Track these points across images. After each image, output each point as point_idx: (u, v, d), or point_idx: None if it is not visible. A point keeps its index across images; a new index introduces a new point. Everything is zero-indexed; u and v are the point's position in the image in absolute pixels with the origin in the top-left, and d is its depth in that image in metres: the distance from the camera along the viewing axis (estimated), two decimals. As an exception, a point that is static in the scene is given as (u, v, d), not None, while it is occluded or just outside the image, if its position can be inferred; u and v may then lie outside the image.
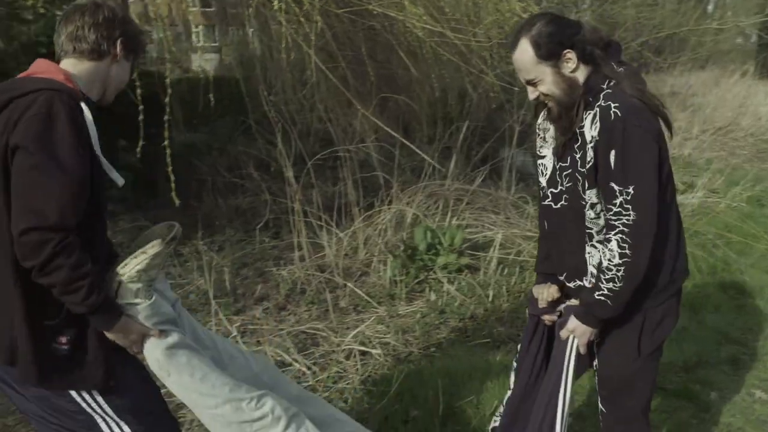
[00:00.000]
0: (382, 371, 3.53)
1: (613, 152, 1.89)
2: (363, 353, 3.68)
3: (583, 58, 1.97)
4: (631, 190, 1.89)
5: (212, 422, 1.99)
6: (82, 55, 1.94)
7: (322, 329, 3.97)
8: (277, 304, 4.45)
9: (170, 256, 2.24)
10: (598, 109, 1.92)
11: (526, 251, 4.96)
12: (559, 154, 2.07)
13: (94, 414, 1.88)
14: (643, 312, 2.06)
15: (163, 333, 1.91)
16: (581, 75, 1.98)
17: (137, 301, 1.86)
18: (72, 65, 1.93)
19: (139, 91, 4.62)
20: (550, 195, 2.13)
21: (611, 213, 1.93)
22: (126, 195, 8.32)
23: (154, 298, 1.90)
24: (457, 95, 8.67)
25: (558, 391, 2.11)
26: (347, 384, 3.44)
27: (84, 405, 1.87)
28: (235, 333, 3.92)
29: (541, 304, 2.23)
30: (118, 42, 1.96)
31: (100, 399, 1.88)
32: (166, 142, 4.73)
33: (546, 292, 2.21)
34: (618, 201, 1.91)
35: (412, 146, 6.02)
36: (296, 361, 3.64)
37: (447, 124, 8.00)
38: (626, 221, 1.91)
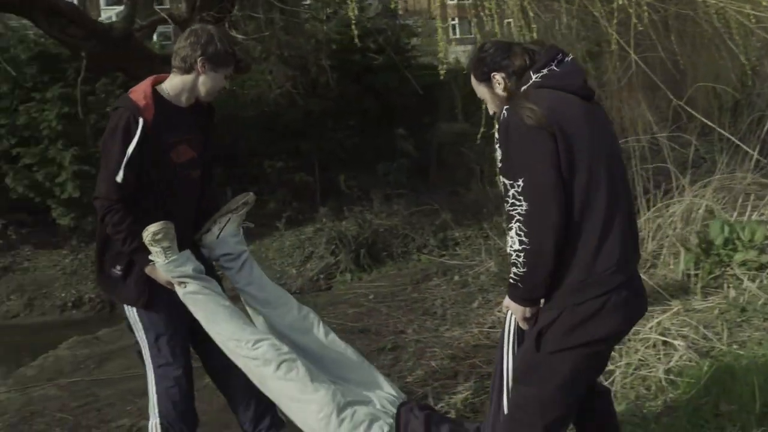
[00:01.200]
0: (684, 363, 3.51)
1: (498, 150, 2.05)
2: (664, 343, 3.68)
3: (513, 79, 2.17)
4: (520, 182, 1.97)
5: (224, 351, 2.60)
6: (176, 70, 2.66)
7: (616, 317, 4.01)
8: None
9: (243, 219, 2.83)
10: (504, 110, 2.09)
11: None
12: None
13: (134, 325, 2.68)
14: (558, 309, 2.03)
15: (181, 283, 2.58)
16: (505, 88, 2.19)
17: (156, 259, 2.55)
18: (171, 78, 2.68)
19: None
20: None
21: (508, 205, 2.01)
22: (401, 180, 8.94)
23: (170, 258, 2.54)
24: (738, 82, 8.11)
25: (501, 368, 2.21)
26: (649, 372, 3.47)
27: (129, 316, 2.69)
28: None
29: None
30: (199, 60, 2.60)
31: (136, 314, 2.67)
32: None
33: None
34: (511, 193, 2.00)
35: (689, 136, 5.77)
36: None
37: (731, 112, 7.53)
38: (520, 211, 1.97)
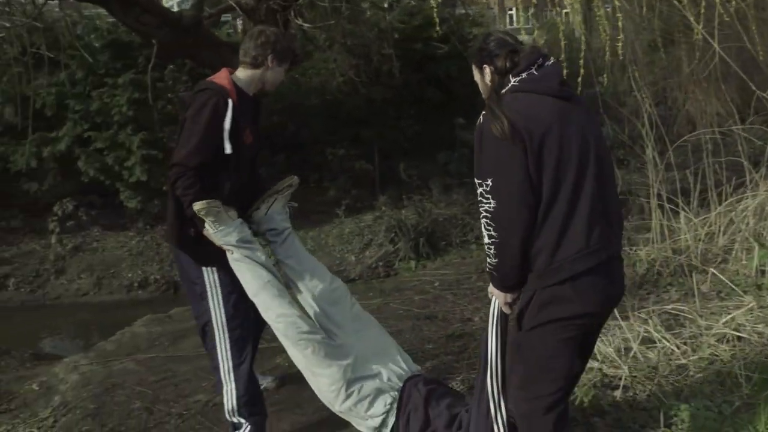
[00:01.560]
0: (761, 359, 3.47)
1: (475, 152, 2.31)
2: (738, 339, 3.64)
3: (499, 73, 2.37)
4: (489, 182, 2.20)
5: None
6: (246, 65, 3.13)
7: (688, 311, 3.98)
8: (634, 282, 4.54)
9: (288, 200, 3.35)
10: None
11: None
12: None
13: (209, 288, 3.05)
14: (532, 291, 2.28)
15: (228, 250, 2.97)
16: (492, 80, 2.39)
17: (208, 228, 2.93)
18: (241, 71, 3.14)
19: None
20: None
21: (480, 202, 2.25)
22: (461, 170, 8.92)
23: (218, 229, 2.92)
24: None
25: (486, 348, 2.46)
26: (722, 367, 3.44)
27: (204, 275, 3.06)
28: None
29: None
30: (269, 57, 3.10)
31: (209, 272, 3.05)
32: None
33: None
34: (479, 191, 2.25)
35: None
36: (665, 339, 3.71)
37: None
38: (488, 208, 2.22)
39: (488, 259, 2.34)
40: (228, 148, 2.97)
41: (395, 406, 2.90)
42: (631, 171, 8.53)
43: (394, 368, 3.02)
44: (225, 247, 2.98)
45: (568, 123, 2.28)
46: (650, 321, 3.87)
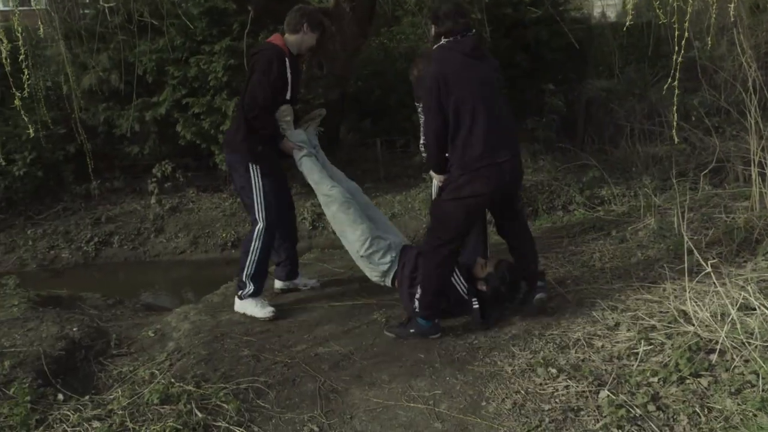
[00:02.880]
0: None
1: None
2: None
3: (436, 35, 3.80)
4: (420, 103, 3.99)
5: (315, 191, 4.56)
6: (289, 32, 4.29)
7: (787, 279, 3.92)
8: (731, 250, 4.48)
9: (318, 125, 4.72)
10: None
11: None
12: None
13: (254, 180, 4.31)
14: (450, 177, 3.79)
15: (298, 149, 4.47)
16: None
17: (284, 130, 4.44)
18: (287, 36, 4.28)
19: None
20: None
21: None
22: (550, 136, 8.85)
23: (290, 131, 4.46)
24: None
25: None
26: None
27: (252, 174, 4.33)
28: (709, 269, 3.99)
29: None
30: (304, 25, 4.25)
31: (259, 171, 4.33)
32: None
33: None
34: (419, 109, 4.12)
35: None
36: (763, 306, 3.67)
37: None
38: (421, 121, 4.03)
39: (424, 155, 4.13)
40: (289, 93, 4.28)
41: (397, 259, 4.25)
42: (727, 139, 8.27)
43: (396, 238, 4.47)
44: (298, 146, 4.47)
45: (473, 70, 3.64)
46: (749, 288, 3.84)
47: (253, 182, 4.30)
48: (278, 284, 4.89)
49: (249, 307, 4.43)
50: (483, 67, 3.70)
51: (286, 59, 4.19)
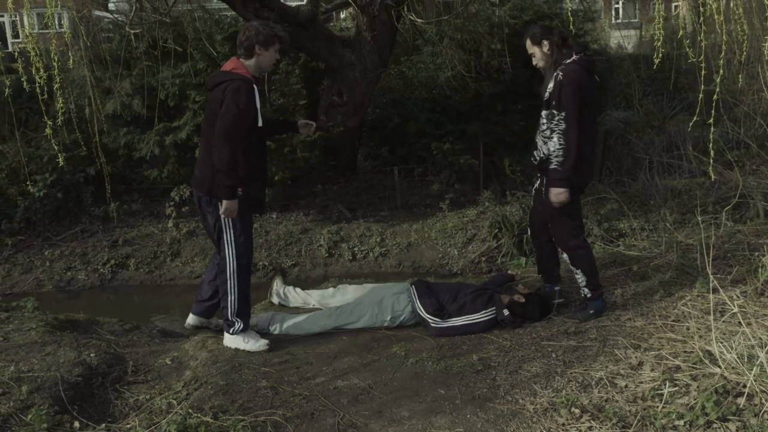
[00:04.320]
0: None
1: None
2: None
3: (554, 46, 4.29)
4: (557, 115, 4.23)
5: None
6: (243, 57, 4.13)
7: (815, 321, 3.85)
8: (756, 289, 4.42)
9: None
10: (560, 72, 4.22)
11: None
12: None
13: (228, 227, 4.20)
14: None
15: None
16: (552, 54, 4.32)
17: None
18: (243, 62, 4.11)
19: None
20: None
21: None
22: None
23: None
24: None
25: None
26: None
27: (218, 206, 4.14)
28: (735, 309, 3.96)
29: None
30: (255, 47, 4.08)
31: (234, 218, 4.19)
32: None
33: None
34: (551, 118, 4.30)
35: None
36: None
37: None
38: (559, 131, 4.25)
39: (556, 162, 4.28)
40: (261, 122, 4.08)
41: (412, 296, 4.72)
42: (747, 173, 8.22)
43: (388, 289, 4.99)
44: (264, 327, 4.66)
45: (593, 87, 4.30)
46: (773, 329, 3.77)
47: (224, 219, 4.17)
48: (192, 320, 4.69)
49: (241, 342, 4.36)
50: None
51: (255, 88, 4.03)
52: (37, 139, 8.49)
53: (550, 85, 4.23)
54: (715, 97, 3.94)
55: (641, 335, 4.08)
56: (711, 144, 3.79)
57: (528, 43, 4.42)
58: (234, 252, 4.25)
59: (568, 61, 4.20)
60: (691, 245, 5.48)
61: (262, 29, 4.11)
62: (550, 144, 4.24)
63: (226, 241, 4.23)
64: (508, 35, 7.99)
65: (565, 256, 4.57)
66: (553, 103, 4.19)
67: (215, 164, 4.00)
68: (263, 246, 8.32)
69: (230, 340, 4.39)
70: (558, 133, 4.17)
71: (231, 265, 4.27)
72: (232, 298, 4.29)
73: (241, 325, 4.35)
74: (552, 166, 4.23)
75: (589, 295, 4.51)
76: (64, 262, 8.20)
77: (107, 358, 4.23)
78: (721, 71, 4.60)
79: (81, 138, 7.47)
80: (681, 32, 4.55)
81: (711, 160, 3.74)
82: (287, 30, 7.51)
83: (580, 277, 4.52)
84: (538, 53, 4.35)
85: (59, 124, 4.60)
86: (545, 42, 4.29)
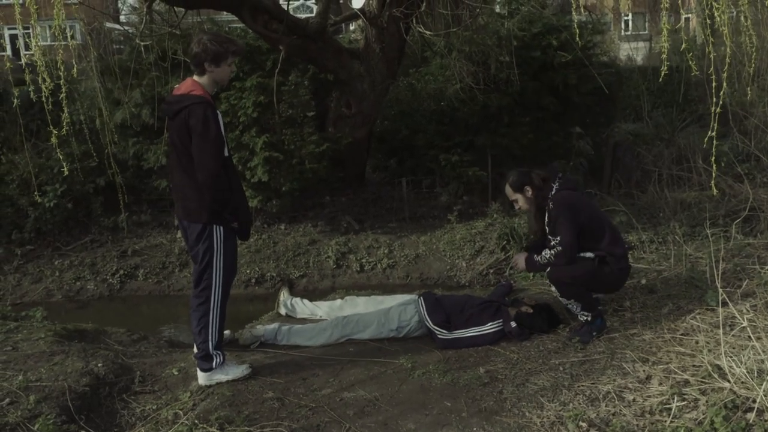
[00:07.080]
0: None
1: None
2: None
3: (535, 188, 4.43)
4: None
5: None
6: (198, 74, 3.82)
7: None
8: (766, 303, 4.39)
9: None
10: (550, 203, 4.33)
11: None
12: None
13: (217, 244, 3.89)
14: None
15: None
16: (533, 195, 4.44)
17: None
18: (198, 79, 3.81)
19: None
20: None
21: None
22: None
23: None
24: None
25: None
26: None
27: (211, 232, 3.87)
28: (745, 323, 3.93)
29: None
30: (204, 64, 3.76)
31: (222, 237, 3.90)
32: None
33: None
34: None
35: None
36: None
37: None
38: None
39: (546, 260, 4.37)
40: (226, 151, 3.85)
41: (419, 306, 4.75)
42: (757, 186, 8.18)
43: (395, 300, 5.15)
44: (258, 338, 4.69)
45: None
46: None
47: (215, 246, 3.88)
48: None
49: (222, 375, 4.05)
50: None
51: (219, 114, 3.76)
52: (47, 150, 8.54)
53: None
54: (718, 110, 3.91)
55: (650, 349, 4.06)
56: (713, 158, 3.78)
57: (509, 190, 4.51)
58: (222, 279, 3.94)
59: (553, 192, 4.34)
60: (701, 258, 5.46)
61: (210, 45, 3.75)
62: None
63: (216, 266, 3.90)
64: (516, 48, 8.01)
65: (553, 288, 4.54)
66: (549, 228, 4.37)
67: (211, 189, 3.74)
68: (271, 257, 8.32)
69: (208, 377, 4.05)
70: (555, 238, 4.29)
71: (216, 293, 3.95)
72: (213, 330, 3.98)
73: (222, 357, 4.06)
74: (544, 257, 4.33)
75: (589, 319, 4.38)
76: (73, 272, 8.24)
77: (115, 368, 4.24)
78: (725, 85, 4.60)
79: (92, 149, 7.52)
80: (684, 45, 4.55)
81: (714, 174, 3.72)
82: (296, 42, 7.58)
83: (574, 306, 4.40)
84: (521, 199, 4.45)
85: (64, 134, 4.60)
86: (527, 188, 4.41)
